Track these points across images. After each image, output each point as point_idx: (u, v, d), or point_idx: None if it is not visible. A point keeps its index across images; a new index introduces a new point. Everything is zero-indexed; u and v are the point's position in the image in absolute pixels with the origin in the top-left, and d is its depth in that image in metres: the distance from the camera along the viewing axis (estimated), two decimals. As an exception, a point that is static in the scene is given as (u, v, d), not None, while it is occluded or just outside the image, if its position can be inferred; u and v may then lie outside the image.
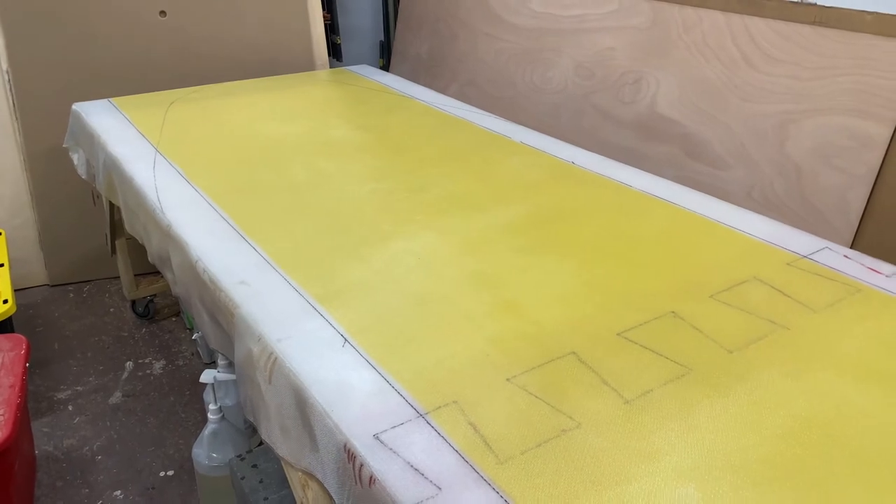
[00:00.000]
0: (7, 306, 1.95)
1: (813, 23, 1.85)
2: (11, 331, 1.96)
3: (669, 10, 2.22)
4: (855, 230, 1.77)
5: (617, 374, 0.95)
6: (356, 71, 2.59)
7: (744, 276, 1.20)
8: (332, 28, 3.30)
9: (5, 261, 2.17)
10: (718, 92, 2.07)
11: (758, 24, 1.98)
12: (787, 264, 1.23)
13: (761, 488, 0.77)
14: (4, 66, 2.42)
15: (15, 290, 2.14)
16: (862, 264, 1.23)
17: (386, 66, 3.57)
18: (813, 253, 1.27)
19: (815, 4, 1.85)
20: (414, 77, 3.12)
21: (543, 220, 1.41)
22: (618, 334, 1.04)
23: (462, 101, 2.28)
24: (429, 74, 3.16)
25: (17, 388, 1.53)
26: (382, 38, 3.70)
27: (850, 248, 1.63)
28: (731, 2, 2.04)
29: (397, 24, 3.43)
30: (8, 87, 2.44)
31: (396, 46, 3.43)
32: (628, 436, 0.84)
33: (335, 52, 3.32)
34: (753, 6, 1.99)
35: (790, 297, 1.13)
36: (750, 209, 1.49)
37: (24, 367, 1.62)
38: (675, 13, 2.20)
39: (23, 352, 1.66)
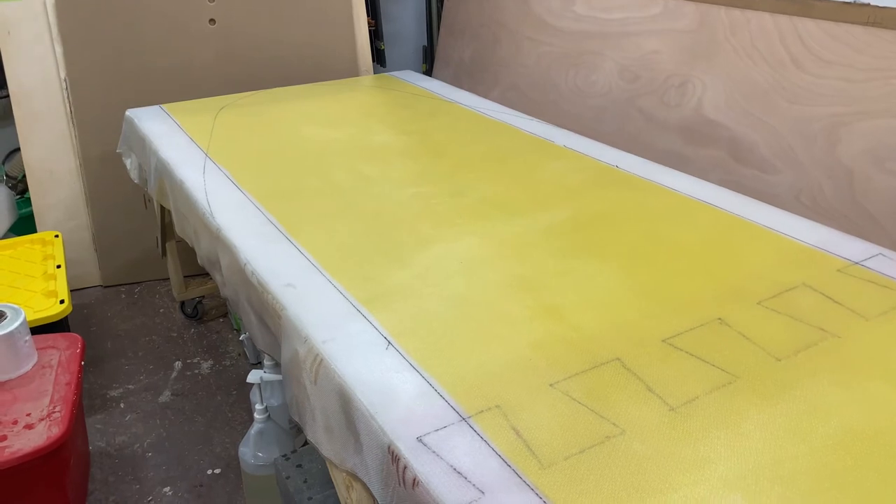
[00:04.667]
0: (63, 306, 2.01)
1: (866, 23, 1.81)
2: (67, 330, 2.03)
3: (716, 12, 2.18)
4: (910, 236, 1.72)
5: (662, 381, 0.94)
6: (399, 76, 2.62)
7: (793, 282, 1.17)
8: (376, 34, 3.33)
9: (62, 262, 2.24)
10: (766, 94, 2.03)
11: (807, 26, 1.94)
12: (838, 271, 1.21)
13: (810, 500, 0.76)
14: (63, 75, 2.51)
15: (70, 291, 2.21)
16: (917, 271, 1.19)
17: (429, 72, 3.59)
18: (865, 259, 1.24)
19: (869, 4, 1.80)
20: (457, 82, 3.13)
21: (586, 224, 1.40)
22: (663, 341, 1.03)
23: (505, 105, 2.28)
24: (472, 79, 3.17)
25: (72, 386, 1.59)
26: (426, 43, 3.72)
27: (905, 254, 1.58)
28: (780, 3, 2.00)
29: (440, 29, 3.45)
30: (66, 94, 2.52)
31: (439, 52, 3.44)
32: (673, 444, 0.84)
33: (379, 58, 3.35)
34: (803, 7, 1.94)
35: (841, 305, 1.11)
36: (798, 214, 1.46)
37: (80, 365, 1.67)
38: (721, 15, 2.17)
39: (78, 350, 1.71)
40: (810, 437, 0.84)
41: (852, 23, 1.84)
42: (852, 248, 1.28)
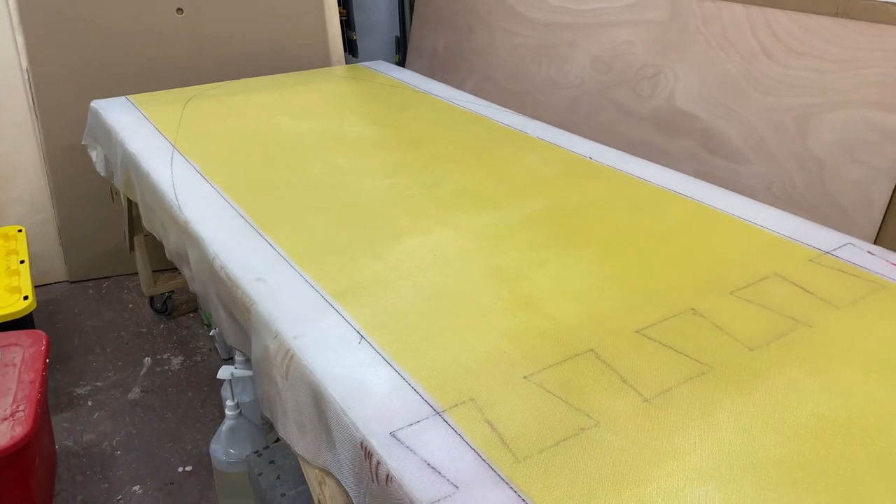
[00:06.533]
0: (27, 302, 1.96)
1: (835, 14, 1.82)
2: (32, 327, 1.98)
3: (688, 3, 2.19)
4: (879, 225, 1.74)
5: (636, 373, 0.94)
6: (372, 67, 2.59)
7: (765, 272, 1.18)
8: (347, 24, 3.29)
9: (26, 257, 2.19)
10: (738, 85, 2.04)
11: (778, 17, 1.95)
12: (809, 260, 1.21)
13: (783, 488, 0.76)
14: (24, 65, 2.44)
15: (35, 287, 2.16)
16: (886, 260, 1.20)
17: (402, 62, 3.56)
18: (836, 249, 1.25)
19: (838, -5, 1.81)
20: (430, 72, 3.11)
21: (560, 216, 1.39)
22: (637, 332, 1.03)
23: (478, 96, 2.27)
24: (445, 70, 3.15)
25: (36, 384, 1.55)
26: (398, 33, 3.69)
27: (874, 243, 1.60)
28: (751, -6, 2.01)
29: (413, 19, 3.42)
30: (28, 85, 2.46)
31: (412, 42, 3.42)
32: (647, 435, 0.83)
33: (351, 48, 3.31)
34: (774, -2, 1.96)
35: (812, 294, 1.11)
36: (770, 204, 1.47)
37: (44, 362, 1.63)
38: (693, 6, 2.17)
39: (43, 347, 1.67)
40: (783, 426, 0.85)
41: (821, 14, 1.85)
42: (823, 237, 1.29)
